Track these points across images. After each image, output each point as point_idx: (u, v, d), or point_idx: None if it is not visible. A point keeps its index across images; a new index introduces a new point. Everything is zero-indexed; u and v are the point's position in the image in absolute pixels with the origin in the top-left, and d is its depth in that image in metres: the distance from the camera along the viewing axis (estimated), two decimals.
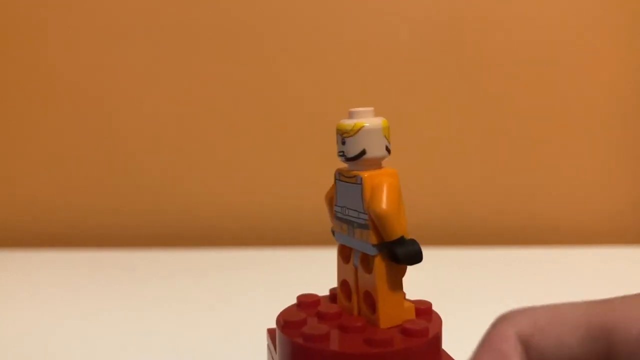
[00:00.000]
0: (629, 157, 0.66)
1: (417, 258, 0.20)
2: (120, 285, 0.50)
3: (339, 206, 0.22)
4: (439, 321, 0.21)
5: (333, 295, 0.24)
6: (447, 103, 0.65)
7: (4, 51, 0.64)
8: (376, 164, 0.21)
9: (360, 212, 0.21)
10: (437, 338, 0.20)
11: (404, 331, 0.20)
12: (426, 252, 0.20)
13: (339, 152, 0.21)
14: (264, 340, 0.37)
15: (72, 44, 0.64)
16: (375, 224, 0.20)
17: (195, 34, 0.63)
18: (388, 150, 0.21)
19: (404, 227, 0.20)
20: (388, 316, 0.20)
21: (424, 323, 0.20)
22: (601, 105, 0.65)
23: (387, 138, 0.21)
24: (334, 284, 0.23)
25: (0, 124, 0.65)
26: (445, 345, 0.22)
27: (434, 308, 0.22)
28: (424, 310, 0.22)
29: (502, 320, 0.19)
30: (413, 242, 0.20)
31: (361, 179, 0.20)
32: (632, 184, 0.66)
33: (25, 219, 0.66)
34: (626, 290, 0.50)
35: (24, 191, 0.66)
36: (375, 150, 0.20)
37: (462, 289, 0.47)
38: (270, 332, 0.23)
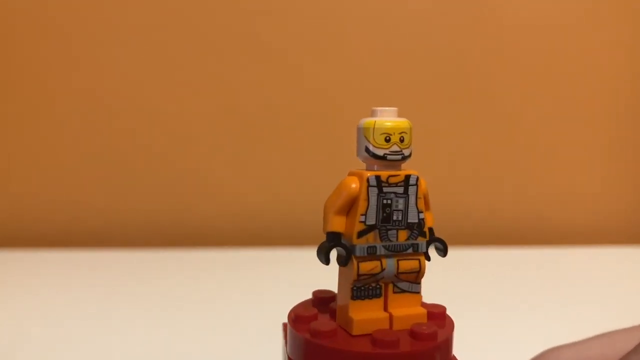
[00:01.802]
0: (629, 158, 0.66)
1: (320, 258, 0.19)
2: (120, 285, 0.50)
3: None
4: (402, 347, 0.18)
5: None
6: (448, 105, 0.65)
7: (3, 50, 0.64)
8: (383, 164, 0.20)
9: None
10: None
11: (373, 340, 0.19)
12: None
13: None
14: (264, 340, 0.37)
15: (72, 42, 0.64)
16: None
17: (204, 33, 0.63)
18: (369, 152, 0.19)
19: (348, 230, 0.19)
20: (339, 315, 0.20)
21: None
22: (601, 106, 0.65)
23: (368, 139, 0.19)
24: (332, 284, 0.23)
25: (0, 124, 0.65)
26: None
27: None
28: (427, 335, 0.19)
29: None
30: (325, 246, 0.19)
31: None
32: (632, 184, 0.66)
33: (25, 219, 0.66)
34: (626, 291, 0.50)
35: (24, 191, 0.66)
36: (359, 150, 0.20)
37: (461, 289, 0.47)
38: (285, 327, 0.23)
